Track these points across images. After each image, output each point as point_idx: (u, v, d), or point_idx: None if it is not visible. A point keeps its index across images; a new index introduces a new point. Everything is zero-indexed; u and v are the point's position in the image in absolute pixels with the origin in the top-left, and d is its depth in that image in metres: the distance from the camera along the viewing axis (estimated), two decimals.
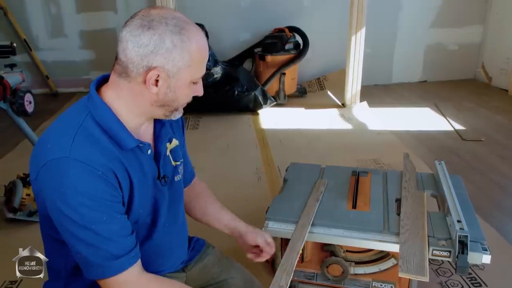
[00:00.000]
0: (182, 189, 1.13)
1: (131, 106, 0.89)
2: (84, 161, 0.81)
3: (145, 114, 0.92)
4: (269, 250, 1.17)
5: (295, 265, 1.17)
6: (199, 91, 0.94)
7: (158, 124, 1.01)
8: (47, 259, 1.00)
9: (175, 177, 1.05)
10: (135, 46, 0.83)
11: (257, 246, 1.18)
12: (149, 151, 0.95)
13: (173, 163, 1.05)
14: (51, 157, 0.82)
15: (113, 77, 0.89)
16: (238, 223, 1.21)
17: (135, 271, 0.87)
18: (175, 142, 1.06)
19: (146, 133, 0.97)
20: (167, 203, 1.02)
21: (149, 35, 0.82)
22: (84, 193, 0.81)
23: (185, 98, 0.92)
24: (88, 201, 0.81)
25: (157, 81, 0.85)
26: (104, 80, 0.93)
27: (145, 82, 0.85)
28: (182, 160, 1.10)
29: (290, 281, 1.11)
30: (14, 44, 2.24)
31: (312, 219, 1.38)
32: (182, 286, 0.97)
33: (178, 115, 0.96)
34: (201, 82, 0.94)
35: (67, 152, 0.81)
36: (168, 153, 1.03)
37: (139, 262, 0.89)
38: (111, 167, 0.84)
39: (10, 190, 2.08)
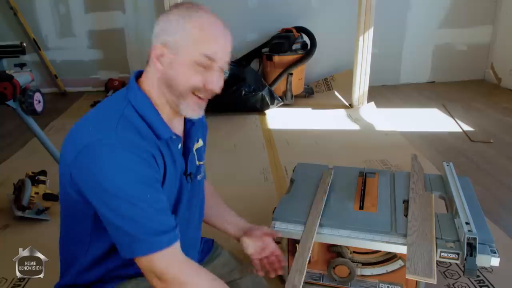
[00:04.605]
0: (203, 189, 1.14)
1: (158, 93, 0.92)
2: (126, 144, 0.83)
3: (167, 102, 0.93)
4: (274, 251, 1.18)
5: (306, 264, 1.17)
6: (212, 83, 0.91)
7: (189, 122, 1.03)
8: (60, 252, 1.01)
9: (198, 176, 1.08)
10: (153, 30, 0.90)
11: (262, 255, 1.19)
12: (179, 146, 0.97)
13: (197, 162, 1.07)
14: (95, 138, 0.83)
15: (146, 67, 0.95)
16: (241, 220, 1.22)
17: (179, 249, 0.88)
18: (200, 142, 1.09)
19: (177, 130, 0.99)
20: (187, 201, 1.03)
21: (163, 17, 0.91)
22: (130, 172, 0.82)
23: (185, 79, 0.90)
24: (134, 179, 0.82)
25: (162, 56, 0.90)
26: (141, 74, 0.98)
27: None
28: (204, 161, 1.13)
29: (303, 279, 1.11)
30: (24, 44, 2.26)
31: (321, 214, 1.36)
32: (221, 283, 0.96)
33: (187, 108, 0.92)
34: (218, 75, 0.92)
35: (112, 134, 0.83)
36: (194, 151, 1.05)
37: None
38: (152, 152, 0.87)
39: (19, 188, 2.10)
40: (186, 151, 1.01)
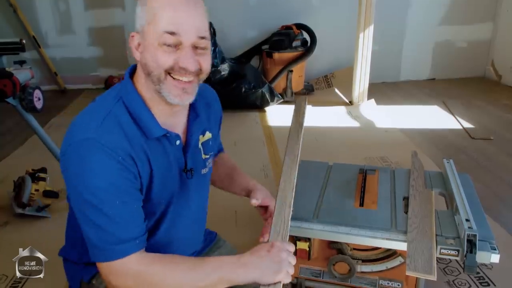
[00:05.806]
0: (208, 182, 1.12)
1: (146, 88, 0.89)
2: (107, 145, 0.82)
3: (156, 94, 0.88)
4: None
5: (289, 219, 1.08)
6: (184, 61, 0.84)
7: (192, 115, 0.99)
8: (67, 231, 1.00)
9: (202, 170, 1.05)
10: None
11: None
12: (177, 142, 0.94)
13: (203, 156, 1.04)
14: (79, 137, 0.83)
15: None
16: (250, 181, 1.20)
17: (136, 258, 0.85)
18: (208, 135, 1.06)
19: (178, 125, 0.96)
20: (189, 196, 1.01)
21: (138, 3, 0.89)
22: (102, 176, 0.82)
23: (155, 62, 0.84)
24: (105, 184, 0.82)
25: (139, 45, 0.88)
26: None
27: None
28: (212, 153, 1.10)
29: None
30: (24, 41, 2.25)
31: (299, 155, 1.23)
32: (184, 259, 0.90)
33: (169, 94, 0.86)
34: (189, 51, 0.84)
35: (93, 134, 0.83)
36: (199, 145, 1.03)
37: (143, 251, 0.87)
38: (131, 154, 0.85)
39: (19, 185, 2.10)
40: (186, 147, 0.98)
